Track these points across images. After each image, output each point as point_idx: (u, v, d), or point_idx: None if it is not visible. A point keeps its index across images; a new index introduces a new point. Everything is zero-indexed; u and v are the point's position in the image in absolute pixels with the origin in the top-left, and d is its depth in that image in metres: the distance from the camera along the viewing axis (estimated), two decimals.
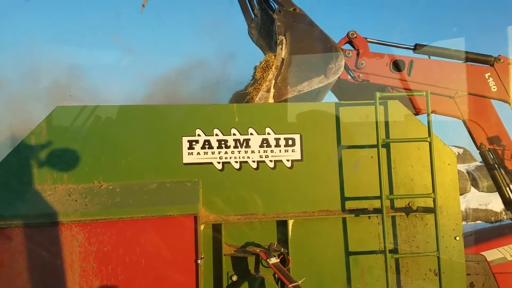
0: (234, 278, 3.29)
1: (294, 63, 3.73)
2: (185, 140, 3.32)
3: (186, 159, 3.32)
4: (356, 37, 4.21)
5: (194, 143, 3.33)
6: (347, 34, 4.22)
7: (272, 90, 3.68)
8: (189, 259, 3.00)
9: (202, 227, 3.18)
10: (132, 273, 2.91)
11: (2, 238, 2.79)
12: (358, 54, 4.17)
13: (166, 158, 3.30)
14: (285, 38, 3.77)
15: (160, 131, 3.31)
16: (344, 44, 4.24)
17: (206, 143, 3.35)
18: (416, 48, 4.24)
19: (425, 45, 4.23)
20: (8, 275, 2.78)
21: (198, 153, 3.33)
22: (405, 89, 4.21)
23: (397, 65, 4.19)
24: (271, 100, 3.67)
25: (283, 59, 3.72)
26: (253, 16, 5.02)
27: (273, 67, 3.68)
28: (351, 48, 4.28)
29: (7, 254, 2.79)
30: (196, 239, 3.01)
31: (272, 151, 3.41)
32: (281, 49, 3.74)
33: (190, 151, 3.32)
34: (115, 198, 3.06)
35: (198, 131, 3.34)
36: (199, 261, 2.99)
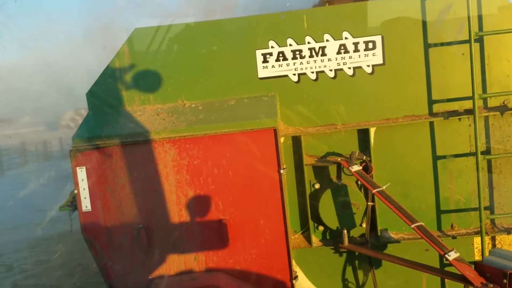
0: (317, 186, 3.38)
1: None
2: (258, 53, 3.27)
3: (261, 73, 3.29)
4: None
5: (268, 56, 3.26)
6: None
7: None
8: (272, 169, 3.11)
9: (282, 139, 3.24)
10: (221, 183, 3.11)
11: (104, 156, 3.10)
12: None
13: (241, 74, 3.30)
14: None
15: (234, 46, 3.28)
16: None
17: (280, 55, 3.27)
18: None
19: None
20: (113, 189, 3.12)
21: (273, 66, 3.28)
22: None
23: None
24: None
25: None
26: None
27: None
28: None
29: (110, 170, 3.11)
30: (277, 151, 3.08)
31: (350, 57, 3.25)
32: None
33: (265, 64, 3.28)
34: (199, 115, 3.20)
35: (271, 43, 3.25)
36: (281, 171, 3.09)
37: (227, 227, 3.09)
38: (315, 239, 3.42)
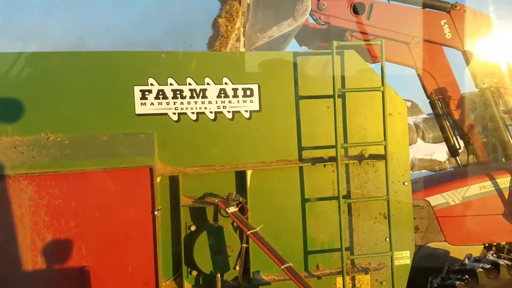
0: (193, 228, 3.32)
1: (260, 8, 3.60)
2: (137, 89, 3.18)
3: (139, 109, 3.19)
4: None
5: (147, 92, 3.19)
6: None
7: (242, 39, 3.55)
8: (146, 211, 2.97)
9: (158, 179, 3.13)
10: (86, 226, 2.85)
11: None
12: None
13: (117, 109, 3.16)
14: None
15: (110, 80, 3.15)
16: None
17: (160, 93, 3.22)
18: None
19: None
20: None
21: (152, 104, 3.21)
22: (361, 32, 4.23)
23: (357, 8, 4.18)
24: (242, 49, 3.55)
25: (248, 5, 3.57)
26: None
27: (239, 14, 3.50)
28: None
29: None
30: (152, 191, 2.97)
31: (230, 102, 3.35)
32: None
33: (143, 101, 3.19)
34: (64, 150, 2.93)
35: (151, 80, 3.20)
36: (156, 213, 2.97)
37: (90, 275, 2.81)
38: (188, 285, 3.30)
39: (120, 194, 2.94)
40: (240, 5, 3.52)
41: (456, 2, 4.22)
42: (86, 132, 3.09)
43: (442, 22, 4.24)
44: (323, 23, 4.30)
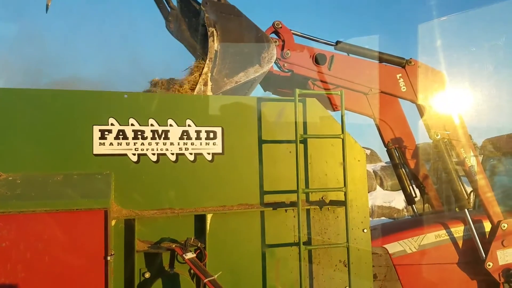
0: (147, 275, 3.16)
1: (228, 55, 3.70)
2: (96, 129, 3.10)
3: (97, 149, 3.10)
4: (281, 27, 4.32)
5: (106, 132, 3.12)
6: (273, 24, 4.31)
7: (210, 83, 3.62)
8: (98, 256, 2.81)
9: (113, 222, 3.00)
10: (34, 271, 2.65)
11: None
12: (283, 44, 4.26)
13: (74, 149, 3.06)
14: (215, 29, 3.72)
15: (68, 119, 3.06)
16: (270, 34, 4.31)
17: (121, 133, 3.16)
18: (337, 44, 4.46)
19: (345, 43, 4.46)
20: None
21: (111, 144, 3.13)
22: (322, 81, 4.40)
23: (318, 59, 4.37)
24: (209, 93, 3.61)
25: (216, 51, 3.67)
26: (169, 9, 4.91)
27: (207, 60, 3.61)
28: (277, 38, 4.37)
29: None
30: (106, 235, 2.82)
31: (192, 144, 3.33)
32: (213, 41, 3.69)
33: (102, 141, 3.11)
34: (15, 190, 2.77)
35: (111, 120, 3.14)
36: (108, 258, 2.81)
37: None
38: None
39: (72, 238, 2.77)
40: (204, 64, 3.61)
41: (411, 58, 4.50)
42: (41, 172, 2.96)
43: (398, 76, 4.50)
44: (286, 70, 4.46)
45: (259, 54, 3.77)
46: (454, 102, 4.56)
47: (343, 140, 3.60)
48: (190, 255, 3.11)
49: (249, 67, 3.75)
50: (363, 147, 3.86)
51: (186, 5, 4.67)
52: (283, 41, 4.28)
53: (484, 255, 4.31)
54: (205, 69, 3.59)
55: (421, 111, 4.53)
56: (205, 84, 3.60)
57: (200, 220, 3.31)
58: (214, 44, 3.67)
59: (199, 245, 3.21)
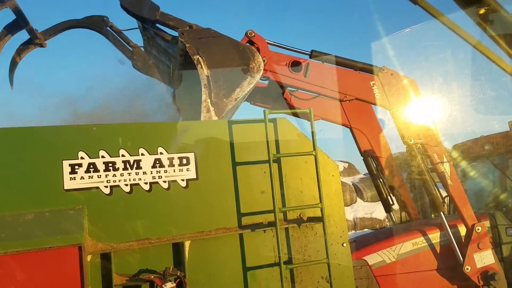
0: None
1: (219, 76, 3.76)
2: (66, 164, 3.06)
3: (68, 184, 3.05)
4: (254, 36, 4.42)
5: (76, 167, 3.08)
6: (246, 34, 4.41)
7: (212, 109, 3.65)
8: None
9: (89, 257, 2.93)
10: None
11: None
12: (258, 52, 4.33)
13: (44, 185, 3.00)
14: (200, 56, 3.77)
15: (36, 155, 3.01)
16: (245, 43, 4.39)
17: (91, 166, 3.12)
18: (312, 54, 4.58)
19: (320, 52, 4.60)
20: None
21: (82, 178, 3.09)
22: (299, 89, 4.48)
23: (295, 66, 4.48)
24: (215, 118, 3.65)
25: (207, 76, 3.72)
26: (130, 48, 4.97)
27: (202, 88, 3.65)
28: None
29: None
30: (81, 272, 2.76)
31: (166, 171, 3.32)
32: (202, 67, 3.75)
33: (73, 175, 3.07)
34: None
35: (81, 154, 3.10)
36: None
37: None
38: None
39: (47, 277, 2.71)
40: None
41: (384, 66, 4.64)
42: (10, 211, 2.88)
43: (371, 83, 4.62)
44: (263, 78, 4.55)
45: (247, 66, 3.86)
46: (427, 108, 4.70)
47: (315, 156, 3.65)
48: (169, 285, 3.06)
49: (242, 81, 3.84)
50: (340, 161, 3.95)
51: (153, 38, 4.72)
52: (258, 48, 4.36)
53: (462, 259, 4.38)
54: (203, 97, 3.65)
55: (394, 117, 4.65)
56: (208, 111, 3.65)
57: (178, 248, 3.27)
58: (204, 71, 3.73)
59: (178, 273, 3.16)
